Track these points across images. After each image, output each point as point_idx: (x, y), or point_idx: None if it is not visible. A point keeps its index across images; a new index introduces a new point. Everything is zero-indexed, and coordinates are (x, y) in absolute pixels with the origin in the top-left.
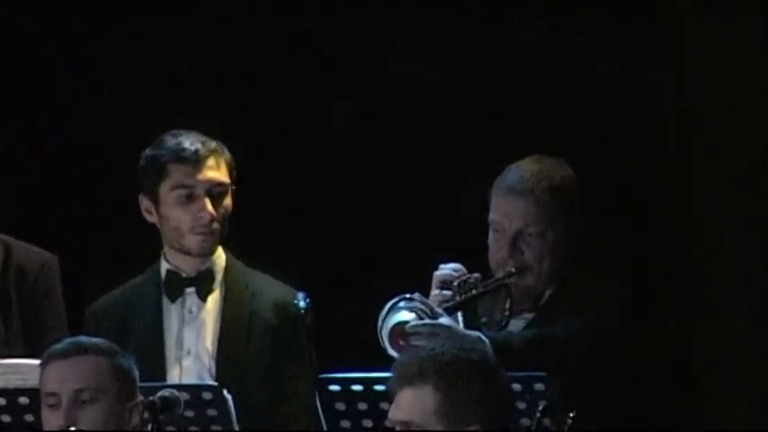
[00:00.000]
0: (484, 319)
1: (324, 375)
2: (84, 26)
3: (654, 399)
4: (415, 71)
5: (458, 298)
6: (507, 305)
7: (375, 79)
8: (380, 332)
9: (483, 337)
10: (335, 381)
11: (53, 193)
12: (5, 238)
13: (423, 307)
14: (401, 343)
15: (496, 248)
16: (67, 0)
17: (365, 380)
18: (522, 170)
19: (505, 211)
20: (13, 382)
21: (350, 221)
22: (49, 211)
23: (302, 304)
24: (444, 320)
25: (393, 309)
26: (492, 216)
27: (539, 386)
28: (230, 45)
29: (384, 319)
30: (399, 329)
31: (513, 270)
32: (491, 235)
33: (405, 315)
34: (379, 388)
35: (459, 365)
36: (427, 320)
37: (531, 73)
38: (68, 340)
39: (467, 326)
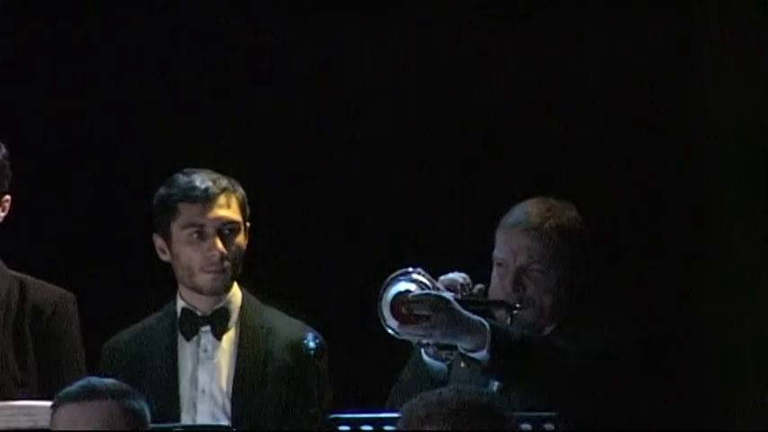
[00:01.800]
0: None
1: (334, 415)
2: (107, 64)
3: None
4: (427, 108)
5: (459, 297)
6: (508, 322)
7: (384, 114)
8: (381, 304)
9: (484, 321)
10: (346, 421)
11: (69, 231)
12: (20, 275)
13: (425, 280)
14: (403, 312)
15: (499, 284)
16: (91, 37)
17: (375, 420)
18: (528, 208)
19: (510, 247)
20: (24, 423)
21: (364, 256)
22: (64, 248)
23: (312, 345)
24: (447, 294)
25: (394, 280)
26: (496, 252)
27: (549, 426)
28: (250, 84)
29: (385, 291)
30: (401, 299)
31: (517, 305)
32: (495, 270)
33: (406, 285)
34: (389, 428)
35: (468, 410)
36: (430, 291)
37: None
38: (80, 383)
39: None
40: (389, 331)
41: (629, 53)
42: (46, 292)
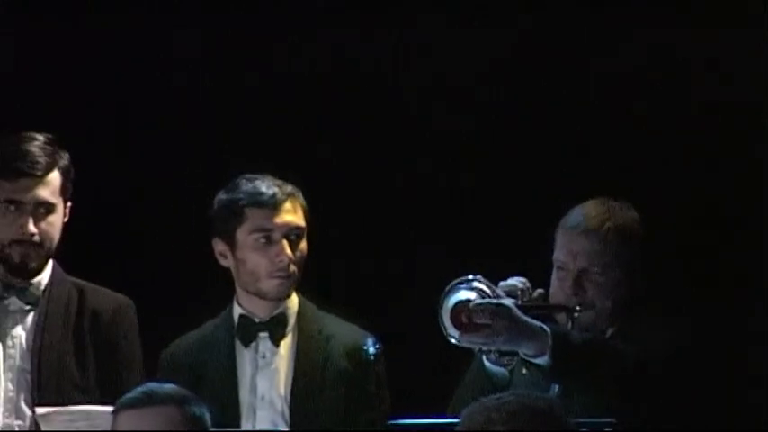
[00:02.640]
0: None
1: (392, 422)
2: (154, 73)
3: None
4: (492, 108)
5: (519, 303)
6: (569, 326)
7: (444, 117)
8: (441, 312)
9: (545, 327)
10: (404, 427)
11: (126, 237)
12: (79, 282)
13: (485, 288)
14: (464, 321)
15: (560, 287)
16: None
17: (433, 426)
18: (586, 210)
19: (569, 250)
20: (82, 427)
21: (422, 260)
22: (121, 255)
23: (372, 350)
24: (507, 301)
25: (454, 289)
26: (556, 255)
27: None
28: (299, 96)
29: (445, 299)
30: (462, 308)
31: (578, 308)
32: (554, 273)
33: (466, 294)
34: None
35: (527, 415)
36: (490, 299)
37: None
38: (140, 389)
39: None
40: (451, 340)
41: (698, 52)
42: (105, 298)
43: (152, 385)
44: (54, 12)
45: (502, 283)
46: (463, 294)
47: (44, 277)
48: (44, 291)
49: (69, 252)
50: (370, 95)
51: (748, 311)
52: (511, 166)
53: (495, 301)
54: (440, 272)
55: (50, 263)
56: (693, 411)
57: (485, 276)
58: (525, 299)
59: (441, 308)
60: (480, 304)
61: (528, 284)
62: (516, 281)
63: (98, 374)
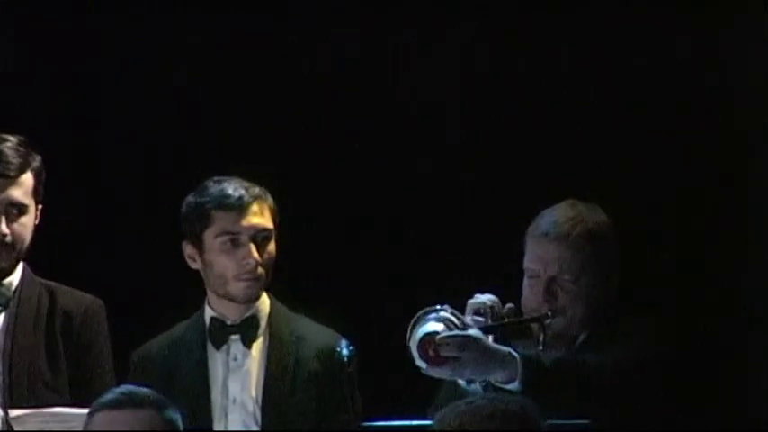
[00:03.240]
0: None
1: (366, 423)
2: (130, 75)
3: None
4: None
5: (489, 322)
6: (541, 339)
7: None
8: (409, 343)
9: (513, 352)
10: (376, 429)
11: (95, 238)
12: (50, 283)
13: (452, 318)
14: (431, 354)
15: (531, 294)
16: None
17: (406, 428)
18: (555, 215)
19: (540, 256)
20: (56, 428)
21: (397, 264)
22: (91, 255)
23: (345, 352)
24: (474, 332)
25: (422, 319)
26: (526, 262)
27: None
28: (274, 95)
29: (412, 330)
30: (429, 340)
31: (549, 314)
32: (526, 281)
33: (434, 326)
34: None
35: (500, 417)
36: (457, 331)
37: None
38: (120, 390)
39: None
40: (420, 369)
41: (673, 50)
42: (75, 299)
43: (130, 387)
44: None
45: (471, 302)
46: (431, 326)
47: (14, 279)
48: (14, 292)
49: (38, 254)
50: (347, 97)
51: (725, 313)
52: (484, 169)
53: (461, 333)
54: (413, 273)
55: (20, 265)
56: (671, 417)
57: (455, 283)
58: (495, 316)
59: (409, 339)
60: (447, 337)
61: (497, 301)
62: (485, 298)
63: (69, 375)
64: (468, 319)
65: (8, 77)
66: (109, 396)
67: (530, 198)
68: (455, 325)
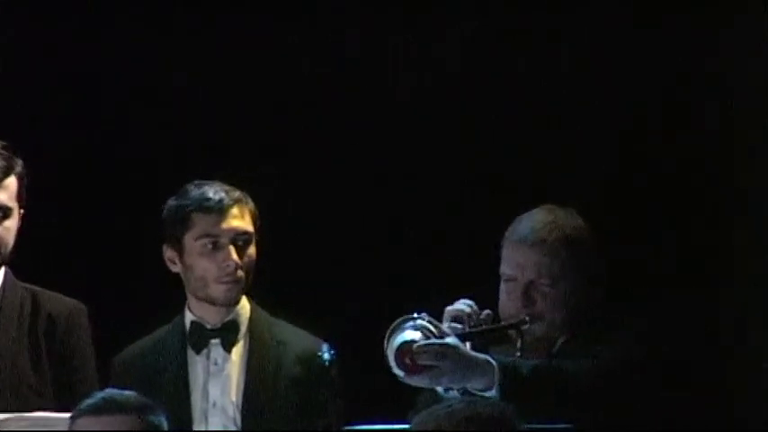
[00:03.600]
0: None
1: (347, 428)
2: (115, 74)
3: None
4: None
5: (467, 329)
6: (519, 345)
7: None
8: (386, 351)
9: (491, 360)
10: None
11: (78, 242)
12: (32, 287)
13: (430, 326)
14: (407, 362)
15: (508, 299)
16: (97, 44)
17: None
18: (532, 220)
19: (517, 263)
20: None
21: (377, 269)
22: (74, 260)
23: (326, 356)
24: (451, 340)
25: (399, 328)
26: (503, 268)
27: None
28: (260, 98)
29: (390, 338)
30: (406, 349)
31: (526, 319)
32: (502, 286)
33: (411, 334)
34: None
35: (478, 421)
36: (434, 340)
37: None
38: (101, 395)
39: None
40: (398, 377)
41: (652, 55)
42: (58, 303)
43: (112, 392)
44: None
45: (448, 308)
46: (408, 335)
47: None
48: None
49: (21, 258)
50: (327, 100)
51: (705, 315)
52: (459, 173)
53: (438, 341)
54: (394, 277)
55: (2, 270)
56: (652, 421)
57: (435, 287)
58: (473, 323)
59: (386, 348)
60: (424, 345)
61: (475, 307)
62: (463, 305)
63: (53, 379)
64: (445, 326)
65: None
66: (90, 401)
67: (527, 199)
68: (432, 333)
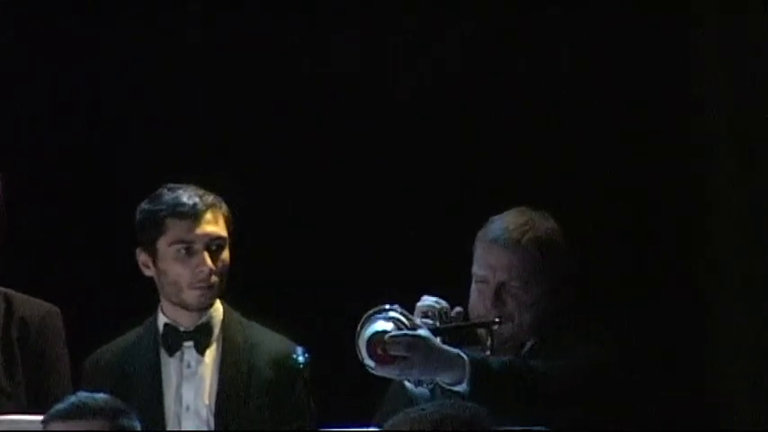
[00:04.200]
0: None
1: (322, 430)
2: (92, 76)
3: None
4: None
5: (438, 324)
6: (489, 344)
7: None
8: (358, 343)
9: (462, 354)
10: None
11: (52, 245)
12: (6, 290)
13: (402, 318)
14: (379, 353)
15: (479, 300)
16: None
17: None
18: (505, 222)
19: (489, 263)
20: None
21: (348, 271)
22: (47, 263)
23: (301, 359)
24: (423, 332)
25: (371, 319)
26: (475, 268)
27: None
28: (231, 100)
29: (361, 329)
30: (378, 340)
31: (497, 320)
32: (473, 286)
33: (382, 325)
34: None
35: (451, 424)
36: (406, 331)
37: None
38: (71, 400)
39: None
40: (368, 369)
41: (625, 56)
42: (32, 306)
43: (84, 396)
44: None
45: (419, 305)
46: (380, 325)
47: None
48: None
49: None
50: (327, 100)
51: (678, 318)
52: (434, 175)
53: (411, 332)
54: (368, 279)
55: None
56: (621, 423)
57: (408, 289)
58: (444, 319)
59: (357, 338)
60: (396, 336)
61: (445, 304)
62: (433, 301)
63: (26, 382)
64: (417, 320)
65: None
66: (61, 406)
67: (527, 200)
68: (404, 325)
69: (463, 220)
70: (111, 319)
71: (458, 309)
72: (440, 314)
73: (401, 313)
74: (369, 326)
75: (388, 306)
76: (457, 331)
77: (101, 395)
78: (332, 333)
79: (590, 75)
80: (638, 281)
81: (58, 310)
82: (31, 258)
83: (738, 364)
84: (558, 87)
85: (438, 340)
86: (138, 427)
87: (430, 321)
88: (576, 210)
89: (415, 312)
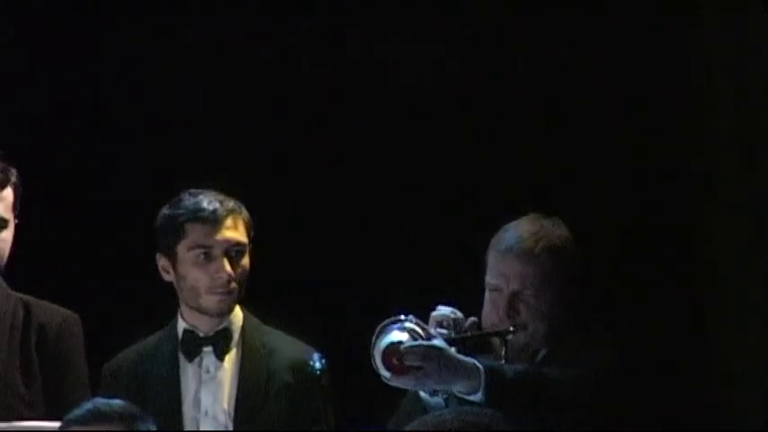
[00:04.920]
0: None
1: None
2: (108, 83)
3: None
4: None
5: (453, 334)
6: (503, 353)
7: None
8: (373, 353)
9: (477, 363)
10: None
11: (71, 251)
12: (25, 297)
13: (417, 328)
14: (395, 363)
15: (493, 309)
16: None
17: None
18: (518, 231)
19: (502, 272)
20: None
21: (365, 276)
22: (67, 269)
23: (318, 365)
24: (438, 342)
25: (386, 329)
26: (488, 277)
27: None
28: (251, 107)
29: (377, 340)
30: (393, 350)
31: (511, 329)
32: (487, 295)
33: (398, 335)
34: None
35: (468, 431)
36: (421, 341)
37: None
38: (87, 406)
39: None
40: (383, 379)
41: (625, 56)
42: (51, 312)
43: (99, 402)
44: None
45: (434, 314)
46: (395, 336)
47: None
48: None
49: (13, 267)
50: (327, 100)
51: (687, 323)
52: (458, 174)
53: (426, 343)
54: (383, 284)
55: None
56: (631, 427)
57: (420, 292)
58: (458, 329)
59: (372, 348)
60: (411, 346)
61: (459, 314)
62: (448, 311)
63: (44, 389)
64: (432, 330)
65: None
66: (77, 412)
67: (526, 200)
68: (419, 335)
69: (469, 220)
70: (130, 325)
71: (472, 319)
72: (454, 324)
73: (416, 324)
74: (384, 336)
75: (402, 316)
76: (471, 341)
77: (117, 401)
78: (350, 337)
79: (590, 75)
80: (638, 281)
81: (77, 317)
82: (52, 264)
83: (739, 364)
84: (557, 87)
85: (453, 350)
86: (153, 429)
87: (445, 331)
88: (576, 210)
89: (430, 322)
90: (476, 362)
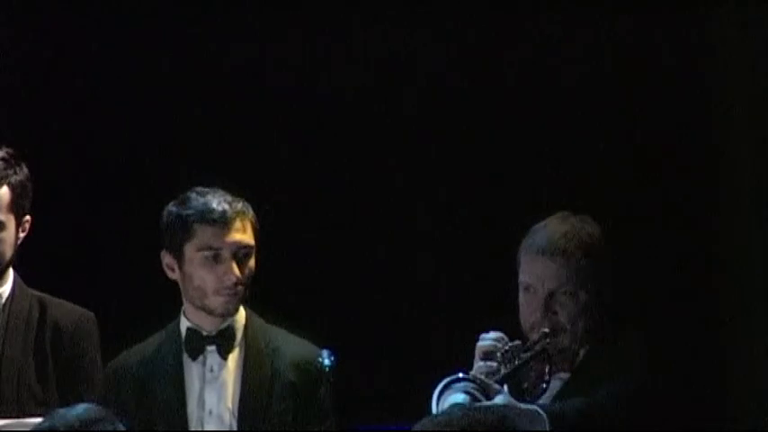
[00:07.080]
0: (525, 385)
1: None
2: (117, 84)
3: None
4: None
5: (503, 370)
6: (547, 369)
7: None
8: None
9: (539, 410)
10: None
11: (87, 250)
12: (40, 295)
13: (475, 391)
14: None
15: (529, 310)
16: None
17: None
18: (550, 230)
19: (537, 273)
20: None
21: (372, 276)
22: (83, 267)
23: (327, 362)
24: (500, 399)
25: (446, 389)
26: (523, 278)
27: None
28: (252, 107)
29: (438, 401)
30: None
31: (548, 331)
32: (522, 296)
33: (460, 396)
34: None
35: (478, 429)
36: (485, 402)
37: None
38: (47, 422)
39: (513, 395)
40: None
41: (628, 54)
42: (66, 310)
43: (58, 416)
44: None
45: (479, 344)
46: (457, 397)
47: (5, 290)
48: (5, 304)
49: (30, 265)
50: (327, 99)
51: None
52: (458, 174)
53: (488, 404)
54: (387, 281)
55: (11, 276)
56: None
57: (438, 311)
58: (504, 357)
59: (435, 407)
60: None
61: (505, 340)
62: (492, 340)
63: (58, 388)
64: (479, 364)
65: None
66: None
67: (526, 200)
68: (478, 398)
69: (491, 221)
70: (145, 323)
71: (516, 342)
72: (502, 356)
73: (475, 385)
74: (446, 397)
75: (461, 375)
76: (522, 368)
77: (76, 410)
78: (355, 335)
79: (591, 73)
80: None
81: (93, 316)
82: (69, 261)
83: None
84: (558, 87)
85: (505, 388)
86: (121, 428)
87: (494, 364)
88: (588, 209)
89: (476, 353)
90: (538, 409)
